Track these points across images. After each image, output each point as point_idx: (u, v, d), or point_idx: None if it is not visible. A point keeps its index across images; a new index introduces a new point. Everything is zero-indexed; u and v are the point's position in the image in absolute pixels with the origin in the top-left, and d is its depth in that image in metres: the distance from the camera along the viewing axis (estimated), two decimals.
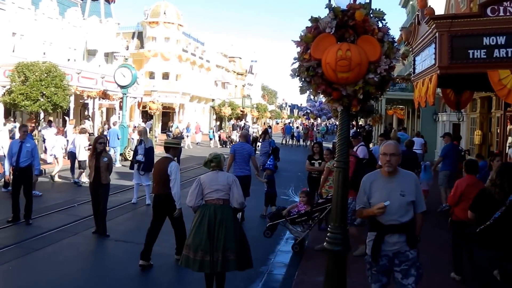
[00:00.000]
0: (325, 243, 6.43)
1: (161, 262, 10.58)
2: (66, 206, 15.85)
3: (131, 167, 16.90)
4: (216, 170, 8.30)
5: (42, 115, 30.64)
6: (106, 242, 12.08)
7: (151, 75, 57.60)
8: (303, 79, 5.98)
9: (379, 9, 5.93)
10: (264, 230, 11.06)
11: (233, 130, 51.02)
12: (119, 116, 38.01)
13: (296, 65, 6.03)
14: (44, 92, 26.99)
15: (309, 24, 5.94)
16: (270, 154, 27.32)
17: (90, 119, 37.15)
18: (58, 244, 11.71)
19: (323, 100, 68.73)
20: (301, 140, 56.82)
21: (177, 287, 9.25)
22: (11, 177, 13.97)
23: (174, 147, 10.71)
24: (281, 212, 11.44)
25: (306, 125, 64.95)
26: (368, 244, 6.17)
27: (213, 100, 70.33)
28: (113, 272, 9.87)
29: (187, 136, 45.66)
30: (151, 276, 9.68)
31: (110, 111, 45.64)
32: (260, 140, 28.87)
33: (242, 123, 60.21)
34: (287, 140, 57.16)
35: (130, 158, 22.68)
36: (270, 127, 53.81)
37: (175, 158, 11.11)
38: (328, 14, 5.78)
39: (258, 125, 68.74)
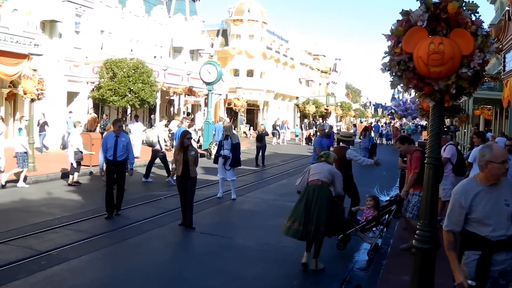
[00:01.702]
0: (413, 241, 6.30)
1: (245, 255, 10.71)
2: (153, 199, 16.28)
3: (215, 162, 17.09)
4: (324, 162, 10.08)
5: (129, 110, 31.44)
6: (192, 234, 12.28)
7: (236, 73, 58.11)
8: (394, 74, 5.86)
9: (472, 1, 5.74)
10: (337, 243, 10.92)
11: (309, 128, 51.17)
12: (204, 113, 38.58)
13: (387, 59, 5.91)
14: (132, 88, 27.70)
15: (398, 19, 5.84)
16: (369, 149, 28.28)
17: (191, 116, 38.00)
18: (146, 234, 12.02)
19: (409, 99, 67.74)
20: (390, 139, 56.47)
21: (261, 282, 9.22)
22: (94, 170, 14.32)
23: (347, 140, 14.04)
24: (350, 221, 11.19)
25: (394, 124, 64.21)
26: (468, 266, 5.33)
27: (297, 97, 70.33)
28: (198, 264, 10.02)
29: (283, 133, 47.16)
30: (235, 269, 9.76)
31: (195, 108, 46.33)
32: (361, 137, 30.33)
33: (320, 121, 60.14)
34: (375, 139, 56.84)
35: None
36: (355, 125, 53.53)
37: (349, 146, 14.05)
38: (419, 7, 5.65)
39: (342, 123, 68.27)
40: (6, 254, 9.98)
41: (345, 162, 13.20)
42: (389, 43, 5.86)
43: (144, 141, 20.53)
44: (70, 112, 29.42)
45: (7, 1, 26.89)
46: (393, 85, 6.04)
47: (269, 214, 14.87)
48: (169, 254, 11.00)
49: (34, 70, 20.19)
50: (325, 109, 71.62)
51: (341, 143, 14.05)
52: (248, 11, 58.59)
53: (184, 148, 12.54)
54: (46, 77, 21.01)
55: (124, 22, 37.66)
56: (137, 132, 26.71)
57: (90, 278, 9.00)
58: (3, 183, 17.38)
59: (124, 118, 30.29)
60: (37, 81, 19.64)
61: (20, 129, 19.06)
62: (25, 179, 17.90)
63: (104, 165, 14.05)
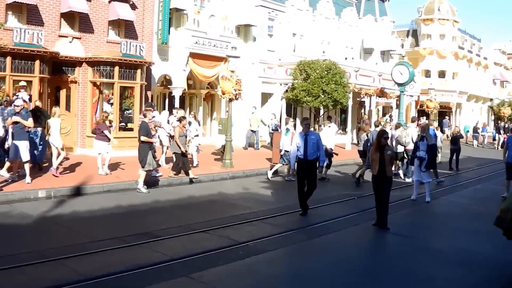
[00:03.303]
0: None
1: (439, 258, 10.32)
2: (347, 198, 16.45)
3: (411, 163, 16.84)
4: None
5: (322, 111, 31.87)
6: (385, 235, 12.24)
7: (427, 74, 56.73)
8: None
9: None
10: None
11: (505, 132, 49.11)
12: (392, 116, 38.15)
13: None
14: (325, 89, 28.08)
15: None
16: None
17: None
18: (340, 232, 12.21)
19: None
20: None
21: (457, 286, 8.91)
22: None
23: None
24: None
25: None
26: None
27: (491, 99, 67.33)
28: (390, 263, 10.10)
29: (483, 135, 47.34)
30: (428, 271, 9.48)
31: (386, 110, 45.89)
32: None
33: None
34: None
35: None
36: None
37: None
38: None
39: None
40: (207, 242, 10.72)
41: None
42: None
43: (397, 140, 20.34)
44: (254, 107, 29.60)
45: (204, 8, 28.50)
46: None
47: (465, 219, 14.46)
48: (361, 252, 11.10)
49: (232, 71, 21.11)
50: None
51: None
52: (438, 10, 56.99)
53: (381, 147, 12.46)
54: (242, 79, 21.89)
55: (315, 24, 38.10)
56: (329, 133, 27.01)
57: (286, 270, 9.44)
58: (270, 177, 19.62)
59: (317, 119, 30.77)
60: (235, 81, 20.56)
61: (287, 130, 20.22)
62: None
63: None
